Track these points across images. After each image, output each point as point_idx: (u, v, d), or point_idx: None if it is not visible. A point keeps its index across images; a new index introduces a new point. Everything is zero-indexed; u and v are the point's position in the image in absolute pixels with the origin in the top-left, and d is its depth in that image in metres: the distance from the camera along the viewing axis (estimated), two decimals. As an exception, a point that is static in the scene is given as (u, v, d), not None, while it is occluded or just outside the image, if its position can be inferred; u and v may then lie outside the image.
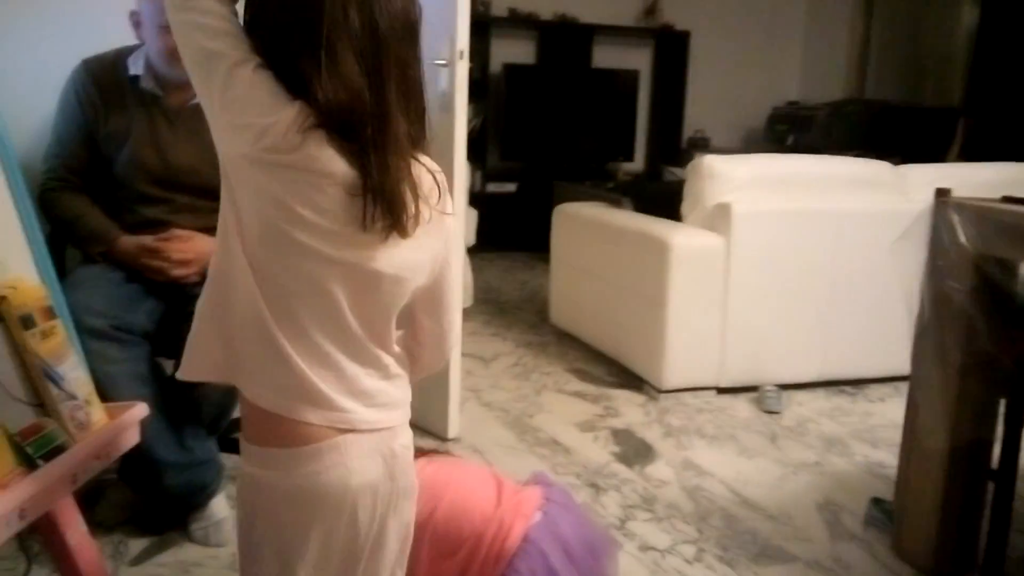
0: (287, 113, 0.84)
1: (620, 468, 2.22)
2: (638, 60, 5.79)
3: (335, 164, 0.85)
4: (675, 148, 5.80)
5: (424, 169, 0.93)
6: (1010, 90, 4.83)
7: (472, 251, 3.71)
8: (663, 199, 3.12)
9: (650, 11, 5.70)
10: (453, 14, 2.15)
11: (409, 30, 0.89)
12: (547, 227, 3.45)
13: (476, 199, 4.55)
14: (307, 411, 0.91)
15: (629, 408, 2.65)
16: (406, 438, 1.00)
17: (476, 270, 3.84)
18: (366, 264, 0.89)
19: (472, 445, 2.32)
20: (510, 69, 5.25)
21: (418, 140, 0.92)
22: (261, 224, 0.87)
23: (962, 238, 1.67)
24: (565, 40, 5.49)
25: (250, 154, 0.85)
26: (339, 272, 0.88)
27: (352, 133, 0.85)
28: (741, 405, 2.71)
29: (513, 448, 2.33)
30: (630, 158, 5.67)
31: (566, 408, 2.65)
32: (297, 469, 0.91)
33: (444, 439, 2.32)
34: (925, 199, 1.74)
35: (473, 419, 2.49)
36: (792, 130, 5.44)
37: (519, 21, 5.32)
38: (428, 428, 2.33)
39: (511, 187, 5.27)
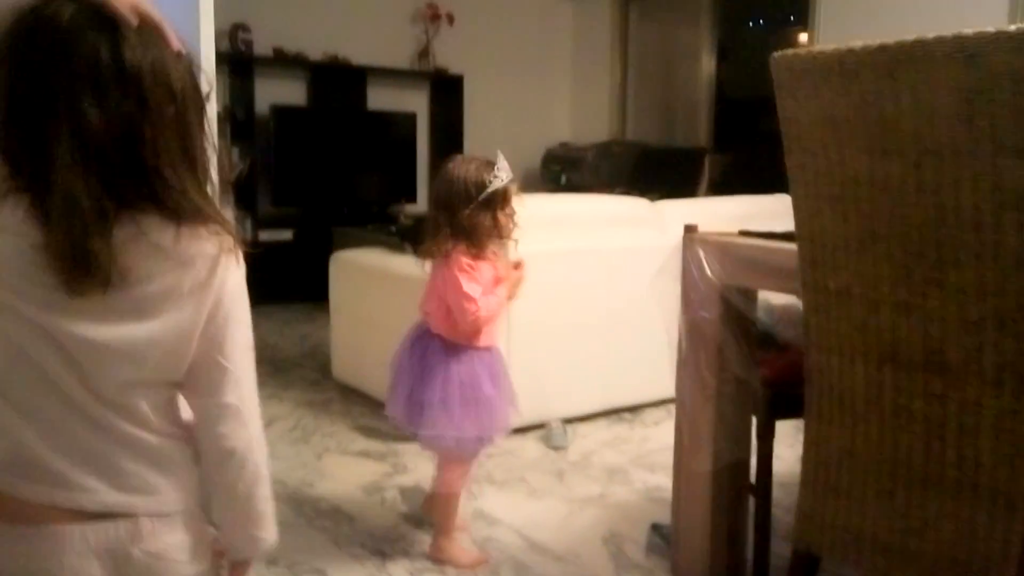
0: None
1: (408, 529, 2.15)
2: (415, 102, 5.83)
3: (11, 218, 0.79)
4: (457, 189, 5.88)
5: (157, 237, 0.83)
6: (747, 130, 5.42)
7: (246, 306, 3.50)
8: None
9: (423, 54, 5.78)
10: (196, 52, 2.03)
11: (87, 78, 0.79)
12: (327, 276, 3.34)
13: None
14: (21, 485, 0.82)
15: (418, 462, 2.57)
16: (164, 544, 0.87)
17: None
18: (73, 331, 0.81)
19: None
20: (279, 111, 5.08)
21: (129, 202, 0.82)
22: None
23: (708, 271, 1.78)
24: (337, 82, 5.41)
25: None
26: (43, 336, 0.81)
27: (23, 186, 0.80)
28: (529, 444, 2.75)
29: (290, 525, 2.10)
30: (413, 200, 5.68)
31: (350, 471, 2.52)
32: (6, 548, 0.82)
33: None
34: (678, 233, 1.86)
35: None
36: (565, 170, 5.71)
37: (287, 61, 5.17)
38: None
39: (287, 234, 5.08)
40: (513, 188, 1.93)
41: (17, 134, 0.79)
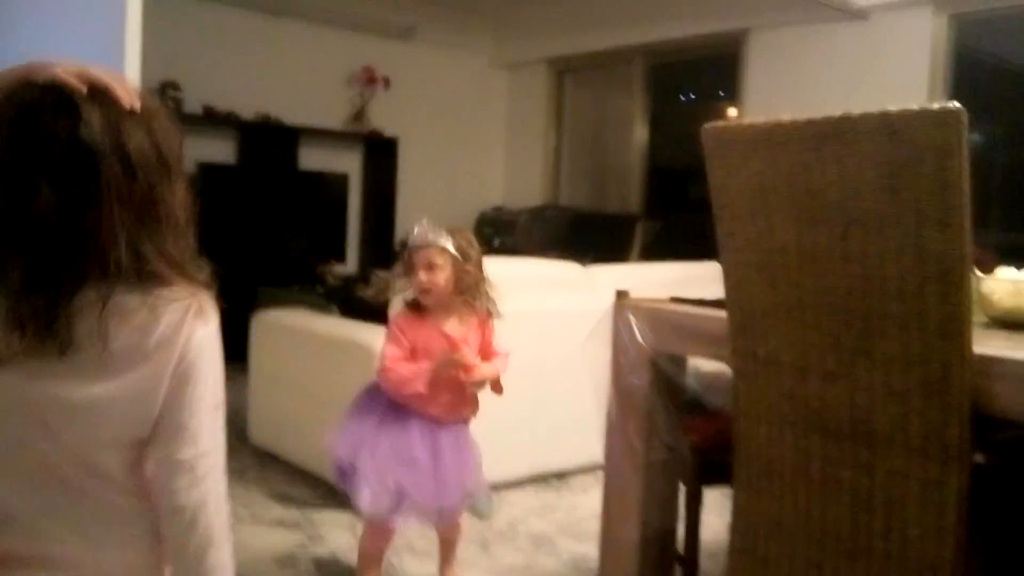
0: None
1: (322, 604, 2.04)
2: (348, 164, 5.80)
3: None
4: (388, 250, 5.84)
5: (118, 301, 0.86)
6: (678, 197, 5.56)
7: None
8: (375, 303, 3.06)
9: (358, 116, 5.77)
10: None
11: (41, 159, 0.83)
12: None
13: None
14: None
15: (336, 531, 2.46)
16: None
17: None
18: (42, 389, 0.85)
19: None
20: (207, 169, 4.98)
21: (88, 271, 0.85)
22: None
23: (638, 336, 1.77)
24: (269, 141, 5.35)
25: None
26: (13, 395, 0.84)
27: None
28: (454, 512, 2.66)
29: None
30: (342, 260, 5.60)
31: (263, 542, 2.38)
32: None
33: None
34: (610, 298, 1.85)
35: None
36: (498, 233, 5.73)
37: (217, 120, 5.10)
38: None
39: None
40: (418, 254, 1.96)
41: None
